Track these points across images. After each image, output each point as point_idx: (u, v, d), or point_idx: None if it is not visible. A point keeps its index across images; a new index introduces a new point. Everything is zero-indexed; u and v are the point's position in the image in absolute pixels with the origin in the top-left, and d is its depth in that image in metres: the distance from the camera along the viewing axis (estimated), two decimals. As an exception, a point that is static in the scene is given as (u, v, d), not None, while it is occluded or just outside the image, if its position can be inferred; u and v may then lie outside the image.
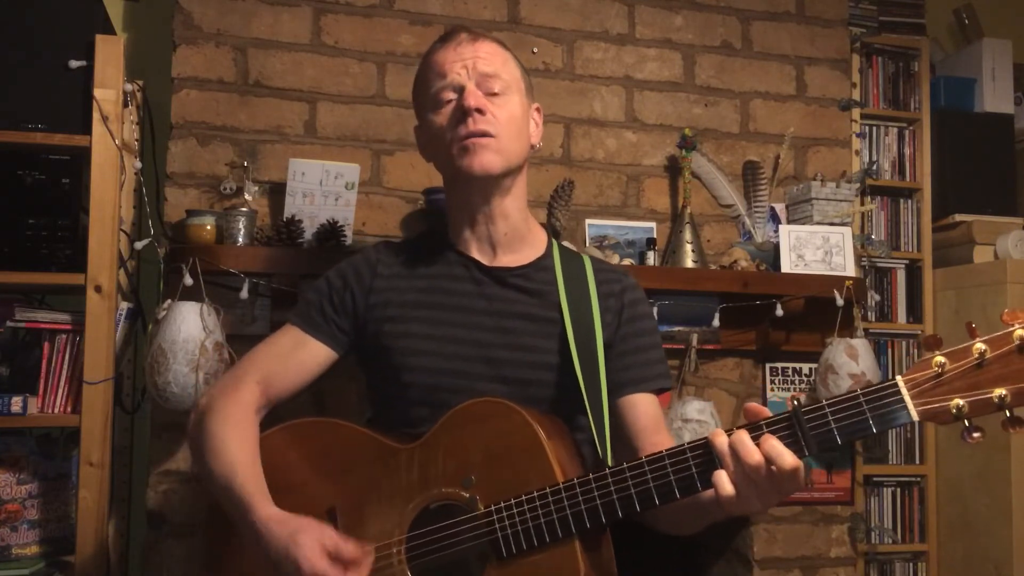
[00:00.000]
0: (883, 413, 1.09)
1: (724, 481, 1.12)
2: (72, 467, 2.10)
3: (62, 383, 2.06)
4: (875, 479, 2.83)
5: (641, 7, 2.60)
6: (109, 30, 2.21)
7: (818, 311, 2.41)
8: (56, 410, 2.06)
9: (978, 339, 1.06)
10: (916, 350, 2.89)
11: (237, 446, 1.36)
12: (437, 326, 1.44)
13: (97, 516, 2.00)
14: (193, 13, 2.29)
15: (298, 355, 1.48)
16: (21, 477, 2.07)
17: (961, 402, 1.05)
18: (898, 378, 1.09)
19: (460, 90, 1.41)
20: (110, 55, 2.06)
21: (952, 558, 2.84)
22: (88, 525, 1.99)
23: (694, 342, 2.43)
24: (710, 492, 1.16)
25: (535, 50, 2.51)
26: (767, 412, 1.15)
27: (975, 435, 1.06)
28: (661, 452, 1.20)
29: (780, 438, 1.12)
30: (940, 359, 1.06)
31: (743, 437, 1.11)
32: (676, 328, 2.43)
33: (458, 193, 1.49)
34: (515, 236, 1.50)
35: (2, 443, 2.07)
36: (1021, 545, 2.65)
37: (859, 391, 1.10)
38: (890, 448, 2.89)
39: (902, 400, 1.08)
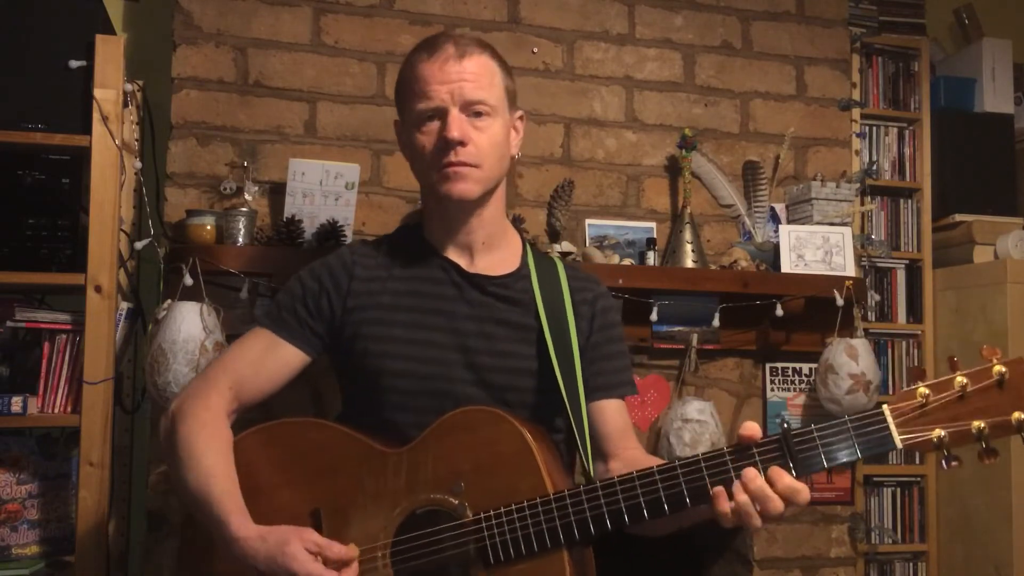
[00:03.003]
0: (869, 440, 1.13)
1: (728, 520, 1.15)
2: (72, 467, 2.10)
3: (62, 383, 2.06)
4: (875, 479, 2.83)
5: (641, 7, 2.60)
6: (109, 30, 2.21)
7: (818, 311, 2.41)
8: (56, 410, 2.05)
9: (959, 372, 1.11)
10: (916, 350, 2.89)
11: (212, 457, 1.34)
12: (418, 329, 1.43)
13: (97, 516, 2.00)
14: (193, 13, 2.29)
15: (269, 360, 1.46)
16: (21, 477, 2.07)
17: (942, 432, 1.10)
18: (884, 407, 1.14)
19: (443, 114, 1.40)
20: (110, 55, 2.06)
21: (952, 558, 2.84)
22: (88, 525, 1.99)
23: (694, 342, 2.43)
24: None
25: (535, 50, 2.51)
26: (759, 434, 1.17)
27: (952, 463, 1.11)
28: (651, 468, 1.21)
29: (769, 460, 1.15)
30: (924, 390, 1.12)
31: (759, 482, 1.13)
32: (676, 328, 2.43)
33: (436, 204, 1.49)
34: (492, 242, 1.50)
35: (2, 443, 2.07)
36: (1021, 545, 2.65)
37: (847, 418, 1.14)
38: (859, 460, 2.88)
39: (887, 428, 1.13)
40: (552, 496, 1.24)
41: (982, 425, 1.09)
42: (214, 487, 1.31)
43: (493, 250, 1.50)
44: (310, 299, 1.47)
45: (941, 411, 1.11)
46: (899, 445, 1.12)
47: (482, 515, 1.25)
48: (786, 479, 1.13)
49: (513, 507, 1.24)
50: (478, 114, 1.41)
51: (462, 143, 1.38)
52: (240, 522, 1.27)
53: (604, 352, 1.51)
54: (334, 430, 1.39)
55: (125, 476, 2.28)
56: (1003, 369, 1.09)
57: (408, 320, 1.44)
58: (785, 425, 1.19)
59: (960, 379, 1.11)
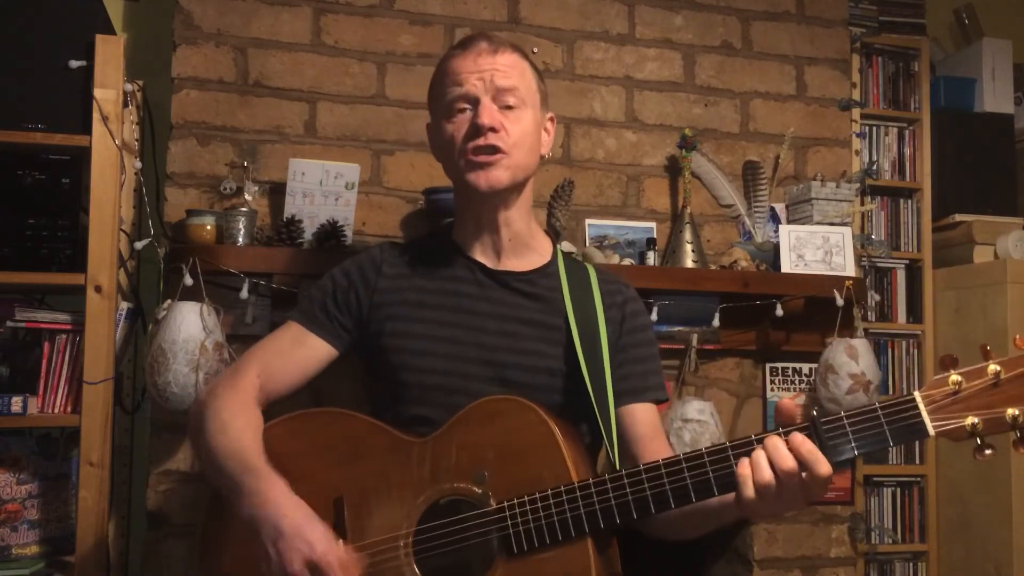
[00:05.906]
0: (901, 427, 1.11)
1: (748, 485, 1.12)
2: (72, 467, 2.10)
3: (62, 383, 2.06)
4: (875, 479, 2.83)
5: (641, 7, 2.60)
6: (109, 30, 2.21)
7: (818, 311, 2.41)
8: (56, 410, 2.05)
9: (993, 360, 1.10)
10: (916, 350, 2.89)
11: (242, 426, 1.36)
12: (438, 327, 1.45)
13: (97, 516, 2.00)
14: (193, 13, 2.29)
15: (298, 351, 1.49)
16: (21, 477, 2.07)
17: (976, 420, 1.09)
18: (916, 393, 1.12)
19: (475, 102, 1.41)
20: (110, 55, 2.06)
21: (952, 558, 2.84)
22: (88, 525, 1.99)
23: (694, 342, 2.43)
24: (722, 497, 1.18)
25: (535, 50, 2.51)
26: (798, 416, 1.16)
27: (987, 452, 1.10)
28: (678, 456, 1.21)
29: None
30: (956, 377, 1.10)
31: (777, 442, 1.12)
32: (676, 328, 2.43)
33: (464, 199, 1.51)
34: (519, 243, 1.51)
35: (2, 443, 2.07)
36: (1021, 545, 2.65)
37: (877, 405, 1.13)
38: (890, 448, 2.89)
39: (920, 415, 1.11)
40: (577, 484, 1.23)
41: (1016, 413, 1.07)
42: (245, 448, 1.32)
43: (520, 251, 1.51)
44: (339, 294, 1.51)
45: (974, 398, 1.09)
46: (932, 433, 1.10)
47: (505, 504, 1.25)
48: (808, 444, 1.11)
49: (537, 495, 1.24)
50: (509, 107, 1.42)
51: (493, 129, 1.39)
52: (275, 477, 1.28)
53: (633, 356, 1.50)
54: (359, 420, 1.40)
55: (125, 476, 2.28)
56: None
57: (430, 317, 1.46)
58: (814, 412, 1.16)
59: (994, 367, 1.09)
